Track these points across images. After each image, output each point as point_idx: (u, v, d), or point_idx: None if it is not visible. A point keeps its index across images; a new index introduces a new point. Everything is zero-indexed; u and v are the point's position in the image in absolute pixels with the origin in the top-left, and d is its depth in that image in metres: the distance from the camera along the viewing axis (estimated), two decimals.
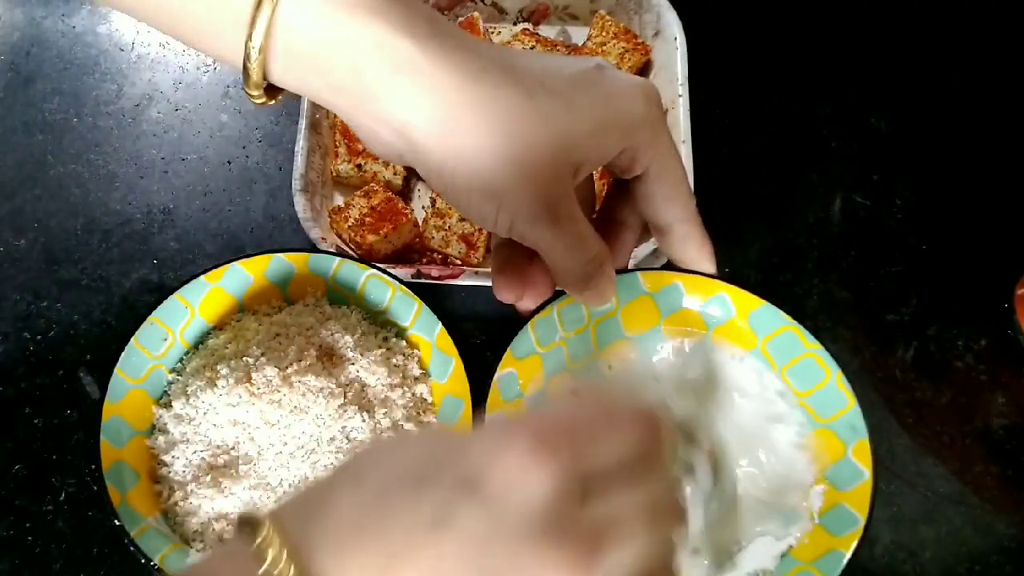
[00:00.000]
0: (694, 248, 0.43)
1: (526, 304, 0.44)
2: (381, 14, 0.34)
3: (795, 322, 0.47)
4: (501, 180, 0.36)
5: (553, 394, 0.32)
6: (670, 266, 0.46)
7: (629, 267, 0.48)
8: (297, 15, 0.34)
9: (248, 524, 0.28)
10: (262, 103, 0.38)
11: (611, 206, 0.45)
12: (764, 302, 0.47)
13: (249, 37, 0.34)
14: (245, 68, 0.35)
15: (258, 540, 0.27)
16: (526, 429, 0.28)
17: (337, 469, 0.30)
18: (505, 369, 0.46)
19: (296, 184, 0.55)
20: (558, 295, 0.46)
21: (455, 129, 0.35)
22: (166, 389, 0.50)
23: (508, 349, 0.46)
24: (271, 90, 0.38)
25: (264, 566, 0.26)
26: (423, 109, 0.35)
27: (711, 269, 0.45)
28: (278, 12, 0.34)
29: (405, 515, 0.27)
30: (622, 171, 0.40)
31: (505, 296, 0.44)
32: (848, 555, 0.43)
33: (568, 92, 0.36)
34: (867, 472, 0.44)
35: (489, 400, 0.45)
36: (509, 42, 0.62)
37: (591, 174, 0.42)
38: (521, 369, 0.47)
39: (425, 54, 0.34)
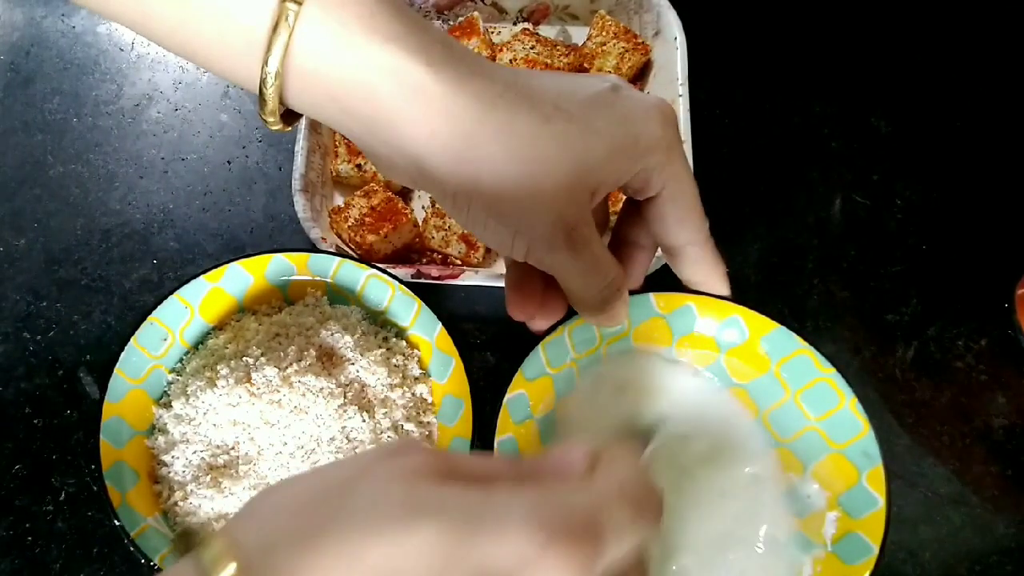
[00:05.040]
0: (706, 270, 0.43)
1: (539, 324, 0.44)
2: (396, 39, 0.34)
3: (809, 346, 0.47)
4: (518, 206, 0.35)
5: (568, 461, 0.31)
6: (681, 286, 0.46)
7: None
8: (313, 40, 0.34)
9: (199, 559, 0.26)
10: (279, 129, 0.37)
11: (624, 227, 0.44)
12: (778, 325, 0.47)
13: (265, 62, 0.34)
14: (261, 94, 0.35)
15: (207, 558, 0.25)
16: (558, 522, 0.26)
17: (317, 497, 0.28)
18: (515, 391, 0.46)
19: (296, 184, 0.55)
20: (569, 316, 0.46)
21: (472, 156, 0.35)
22: (166, 389, 0.50)
23: (518, 371, 0.46)
24: (288, 116, 0.37)
25: None
26: (439, 136, 0.35)
27: (724, 291, 0.44)
28: (294, 38, 0.33)
29: None
30: (635, 192, 0.40)
31: (519, 315, 0.44)
32: None
33: (584, 115, 0.36)
34: (881, 500, 0.44)
35: (499, 423, 0.45)
36: (509, 42, 0.63)
37: (607, 196, 0.42)
38: (531, 391, 0.47)
39: (440, 80, 0.34)
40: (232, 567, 0.26)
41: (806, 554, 0.45)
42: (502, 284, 0.46)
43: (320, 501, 0.28)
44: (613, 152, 0.37)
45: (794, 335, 0.47)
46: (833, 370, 0.46)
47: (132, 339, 0.48)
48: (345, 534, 0.26)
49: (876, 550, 0.43)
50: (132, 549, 0.43)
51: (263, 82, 0.34)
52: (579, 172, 0.36)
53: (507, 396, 0.46)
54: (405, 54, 0.34)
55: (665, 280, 0.47)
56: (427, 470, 0.28)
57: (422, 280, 0.53)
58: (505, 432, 0.46)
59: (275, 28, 0.33)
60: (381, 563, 0.25)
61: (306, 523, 0.27)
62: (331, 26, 0.34)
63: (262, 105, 0.35)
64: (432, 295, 0.50)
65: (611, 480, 0.29)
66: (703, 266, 0.43)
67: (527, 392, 0.47)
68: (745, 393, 0.49)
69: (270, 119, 0.36)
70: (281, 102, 0.36)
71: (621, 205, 0.44)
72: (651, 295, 0.47)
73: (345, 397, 0.48)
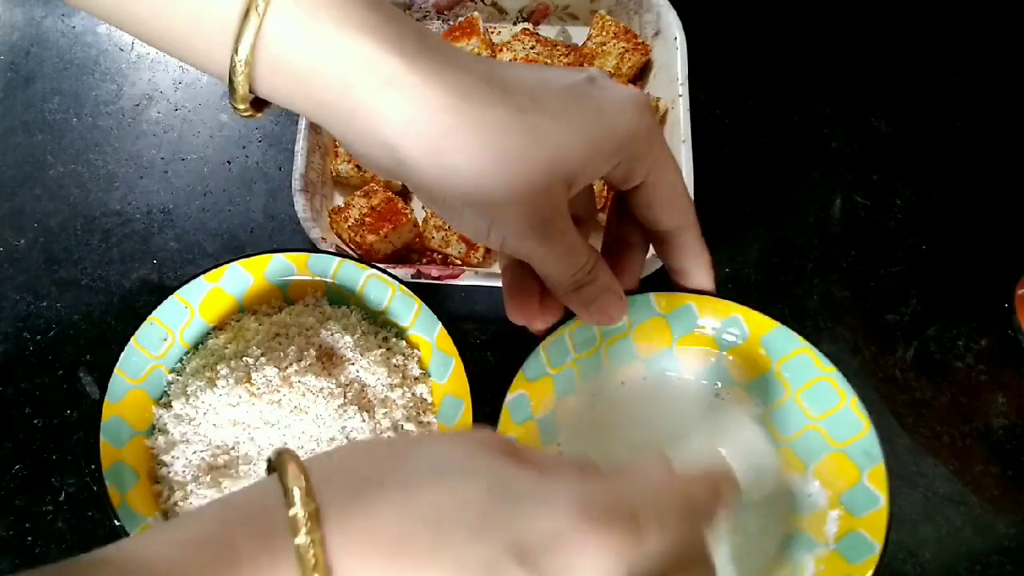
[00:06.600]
0: (691, 257, 0.43)
1: (538, 326, 0.44)
2: (370, 30, 0.34)
3: (810, 345, 0.47)
4: (493, 197, 0.36)
5: (632, 462, 0.32)
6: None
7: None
8: (284, 29, 0.33)
9: (281, 481, 0.28)
10: (248, 116, 0.37)
11: (614, 227, 0.44)
12: (778, 324, 0.47)
13: (235, 50, 0.34)
14: (231, 81, 0.35)
15: (293, 511, 0.27)
16: (599, 507, 0.27)
17: (388, 451, 0.30)
18: (516, 392, 0.46)
19: (296, 184, 0.55)
20: (569, 316, 0.46)
21: (446, 147, 0.35)
22: (166, 389, 0.50)
23: (519, 371, 0.46)
24: (257, 104, 0.37)
25: (295, 548, 0.26)
26: (413, 127, 0.35)
27: (708, 279, 0.44)
28: (264, 26, 0.33)
29: (452, 557, 0.26)
30: (619, 183, 0.40)
31: (519, 319, 0.44)
32: None
33: (559, 107, 0.36)
34: (883, 499, 0.44)
35: (500, 423, 0.45)
36: (509, 42, 0.63)
37: (591, 185, 0.41)
38: (532, 391, 0.47)
39: (415, 71, 0.34)
40: (299, 490, 0.27)
41: (809, 553, 0.45)
42: (501, 284, 0.46)
43: (389, 451, 0.30)
44: (589, 143, 0.37)
45: (794, 334, 0.47)
46: (834, 369, 0.46)
47: (132, 339, 0.48)
48: (403, 477, 0.28)
49: (879, 548, 0.43)
50: None
51: (232, 70, 0.34)
52: (554, 163, 0.36)
53: (508, 396, 0.46)
54: (377, 44, 0.34)
55: (664, 281, 0.47)
56: (492, 446, 0.30)
57: (422, 280, 0.53)
58: (506, 433, 0.46)
59: (246, 15, 0.33)
60: (428, 506, 0.27)
61: (372, 465, 0.29)
62: (301, 15, 0.33)
63: (232, 93, 0.35)
64: (432, 295, 0.50)
65: (667, 480, 0.30)
66: (689, 252, 0.43)
67: (528, 392, 0.47)
68: (745, 392, 0.49)
69: (240, 106, 0.36)
70: (253, 91, 0.36)
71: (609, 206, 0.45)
72: (651, 295, 0.48)
73: (345, 397, 0.48)
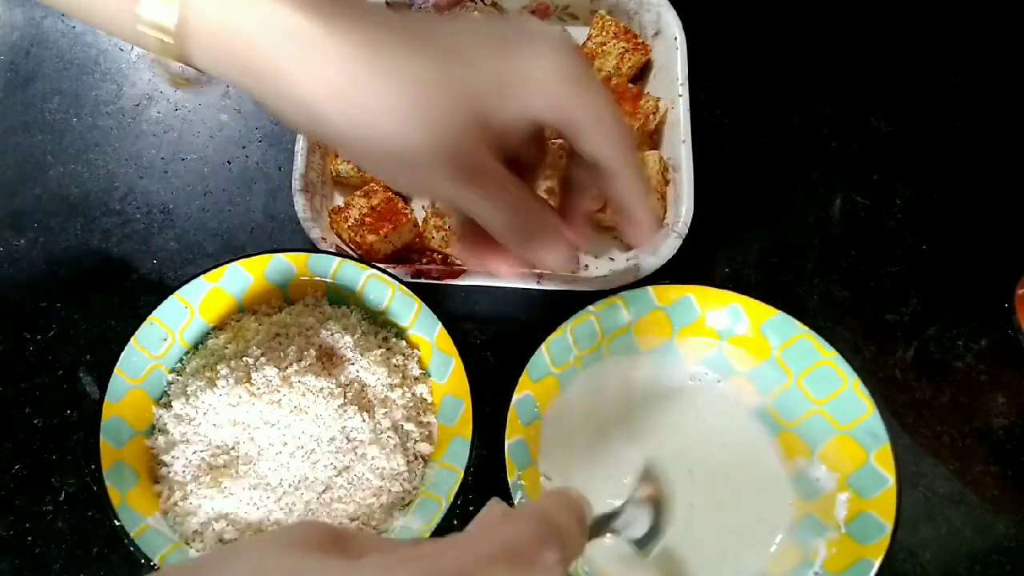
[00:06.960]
0: (630, 188, 0.41)
1: (499, 268, 0.43)
2: None
3: (810, 330, 0.47)
4: (411, 147, 0.36)
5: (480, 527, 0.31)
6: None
7: (633, 274, 0.48)
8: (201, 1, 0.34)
9: None
10: (181, 86, 0.38)
11: (569, 171, 0.44)
12: (778, 312, 0.47)
13: (154, 19, 0.34)
14: (161, 51, 0.35)
15: None
16: None
17: (203, 559, 0.29)
18: (522, 393, 0.46)
19: (296, 184, 0.55)
20: (570, 313, 0.46)
21: (358, 100, 0.35)
22: (166, 389, 0.50)
23: (524, 372, 0.46)
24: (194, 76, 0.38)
25: None
26: (324, 83, 0.35)
27: (644, 209, 0.43)
28: None
29: None
30: (558, 128, 0.40)
31: (473, 263, 0.44)
32: (878, 563, 0.43)
33: (474, 54, 0.37)
34: (891, 479, 0.44)
35: (508, 426, 0.45)
36: None
37: (540, 130, 0.41)
38: (537, 391, 0.47)
39: (325, 29, 0.35)
40: None
41: (819, 537, 0.45)
42: (502, 284, 0.46)
43: (201, 565, 0.29)
44: (504, 87, 0.37)
45: (795, 320, 0.47)
46: (835, 353, 0.47)
47: (132, 339, 0.48)
48: None
49: (889, 529, 0.43)
50: (132, 549, 0.43)
51: (144, 36, 0.35)
52: (469, 109, 0.36)
53: (514, 398, 0.46)
54: (292, 8, 0.34)
55: (668, 277, 0.47)
56: (305, 541, 0.29)
57: (422, 280, 0.53)
58: (515, 435, 0.46)
59: None
60: None
61: None
62: None
63: (165, 66, 0.36)
64: (432, 295, 0.50)
65: (495, 538, 0.29)
66: (626, 183, 0.41)
67: (533, 393, 0.47)
68: (747, 381, 0.49)
69: (180, 82, 0.37)
70: (185, 61, 0.36)
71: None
72: (650, 288, 0.48)
73: (345, 397, 0.48)
